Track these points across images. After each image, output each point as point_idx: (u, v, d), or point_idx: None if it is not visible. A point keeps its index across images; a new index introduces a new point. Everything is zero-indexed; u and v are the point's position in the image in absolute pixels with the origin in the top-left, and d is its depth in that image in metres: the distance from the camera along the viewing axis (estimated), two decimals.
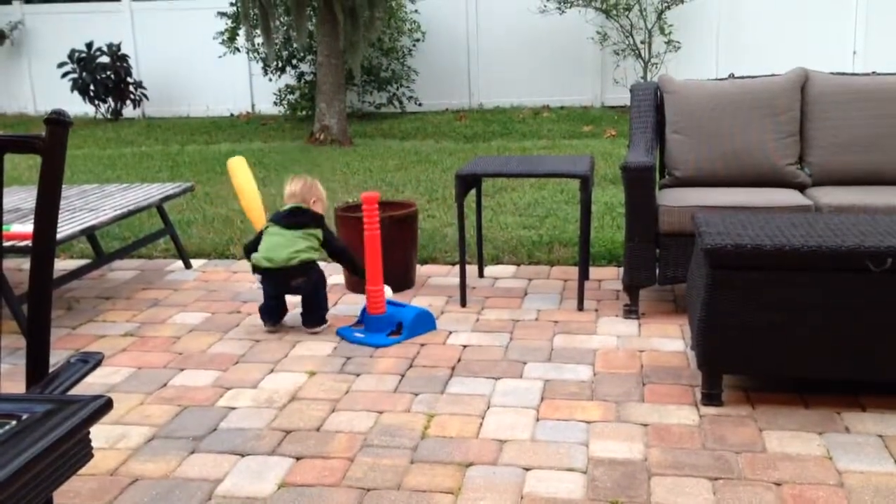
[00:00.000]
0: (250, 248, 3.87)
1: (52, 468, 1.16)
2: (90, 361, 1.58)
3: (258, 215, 4.10)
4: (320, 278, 3.81)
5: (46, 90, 13.10)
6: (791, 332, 2.81)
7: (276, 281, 3.75)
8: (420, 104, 12.08)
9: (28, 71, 13.25)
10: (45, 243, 1.57)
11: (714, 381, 2.91)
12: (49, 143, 1.53)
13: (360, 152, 8.95)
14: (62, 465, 1.19)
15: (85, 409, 1.24)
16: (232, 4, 11.00)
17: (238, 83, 12.68)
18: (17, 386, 3.20)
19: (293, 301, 3.92)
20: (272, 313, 3.82)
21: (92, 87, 12.18)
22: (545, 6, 11.28)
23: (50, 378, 1.50)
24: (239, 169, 4.19)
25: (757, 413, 2.85)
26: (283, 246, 3.72)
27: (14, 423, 1.23)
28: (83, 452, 1.24)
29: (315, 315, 3.78)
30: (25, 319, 3.49)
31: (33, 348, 1.57)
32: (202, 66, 12.56)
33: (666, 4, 10.89)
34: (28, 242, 3.56)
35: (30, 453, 1.11)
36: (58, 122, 1.55)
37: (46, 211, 1.56)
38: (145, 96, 12.63)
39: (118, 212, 4.20)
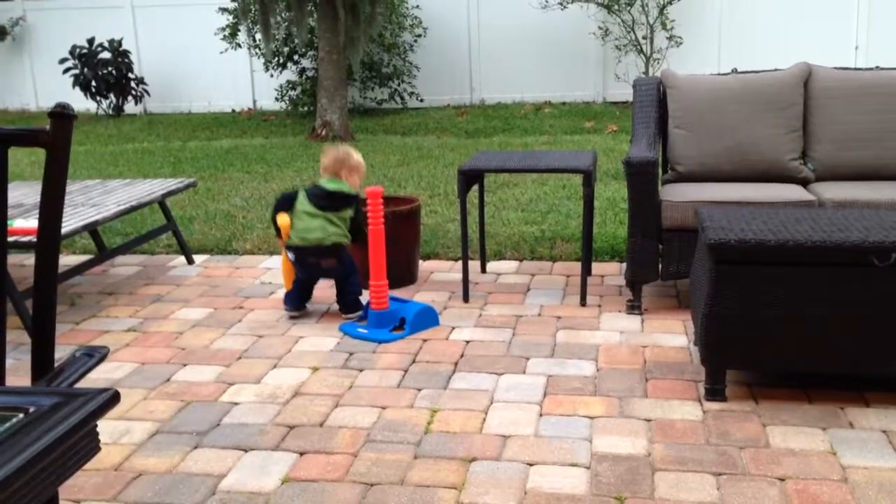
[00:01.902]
0: (279, 206, 3.84)
1: (60, 461, 1.16)
2: (96, 355, 1.57)
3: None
4: (352, 263, 3.87)
5: (48, 86, 13.08)
6: (794, 328, 2.80)
7: (308, 261, 3.82)
8: (421, 100, 12.06)
9: (29, 67, 13.24)
10: (50, 235, 1.57)
11: (717, 376, 2.91)
12: (54, 136, 1.53)
13: (361, 148, 8.93)
14: (70, 458, 1.19)
15: (92, 401, 1.24)
16: (233, 0, 10.98)
17: (239, 79, 12.67)
18: (23, 381, 3.20)
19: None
20: (296, 298, 3.91)
21: (93, 84, 12.16)
22: (547, 1, 11.26)
23: (56, 372, 1.50)
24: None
25: (760, 408, 2.85)
26: (316, 228, 3.78)
27: (21, 415, 1.23)
28: (91, 445, 1.24)
29: (348, 299, 3.85)
30: (29, 315, 3.51)
31: (38, 343, 1.57)
32: (203, 61, 12.55)
33: None
34: (31, 238, 3.56)
35: (38, 446, 1.11)
36: (62, 115, 1.54)
37: (52, 204, 1.55)
38: (147, 92, 12.62)
39: (120, 207, 4.19)
